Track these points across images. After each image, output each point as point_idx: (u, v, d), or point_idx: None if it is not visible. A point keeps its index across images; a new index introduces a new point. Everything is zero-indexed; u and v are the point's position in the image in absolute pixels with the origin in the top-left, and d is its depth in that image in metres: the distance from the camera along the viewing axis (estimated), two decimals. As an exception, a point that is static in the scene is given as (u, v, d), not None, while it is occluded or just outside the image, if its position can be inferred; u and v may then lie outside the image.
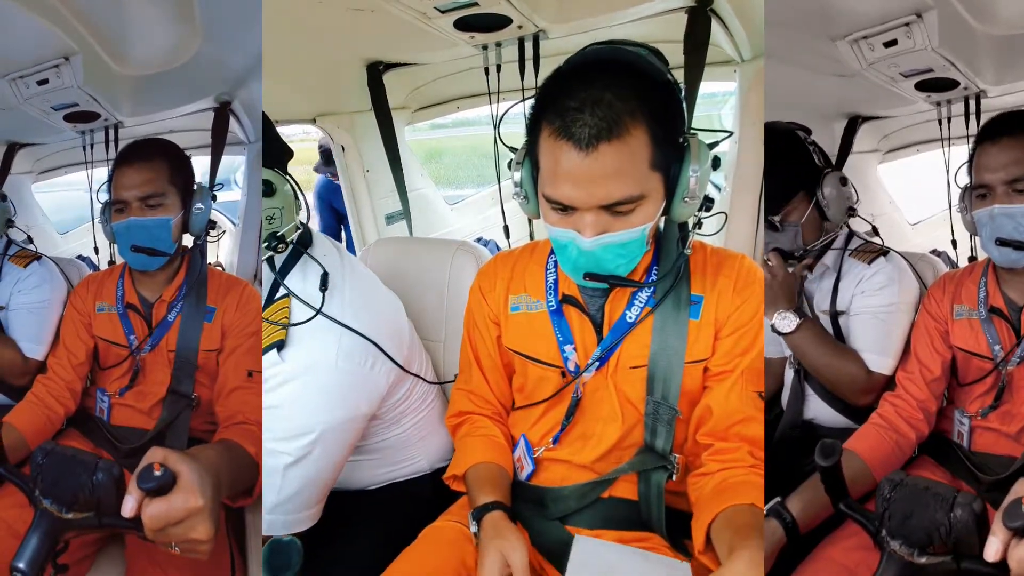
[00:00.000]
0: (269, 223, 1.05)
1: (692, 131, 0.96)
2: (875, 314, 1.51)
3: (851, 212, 1.52)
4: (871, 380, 1.49)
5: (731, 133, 1.05)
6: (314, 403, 1.04)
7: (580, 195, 0.88)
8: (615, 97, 0.84)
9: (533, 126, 0.93)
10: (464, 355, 1.21)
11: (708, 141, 0.95)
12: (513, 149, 1.02)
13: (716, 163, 0.94)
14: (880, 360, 1.49)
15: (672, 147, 0.91)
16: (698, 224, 1.00)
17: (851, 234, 1.62)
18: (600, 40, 0.97)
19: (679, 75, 1.75)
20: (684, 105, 0.93)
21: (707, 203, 0.96)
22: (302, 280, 1.11)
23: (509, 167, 1.01)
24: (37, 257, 1.67)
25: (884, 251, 1.53)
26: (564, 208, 0.91)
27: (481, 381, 1.19)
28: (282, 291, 1.09)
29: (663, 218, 1.00)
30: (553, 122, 0.87)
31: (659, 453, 1.05)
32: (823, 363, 1.58)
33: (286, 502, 1.06)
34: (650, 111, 0.86)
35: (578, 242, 0.92)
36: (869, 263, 1.53)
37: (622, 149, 0.85)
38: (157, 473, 0.78)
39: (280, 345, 1.03)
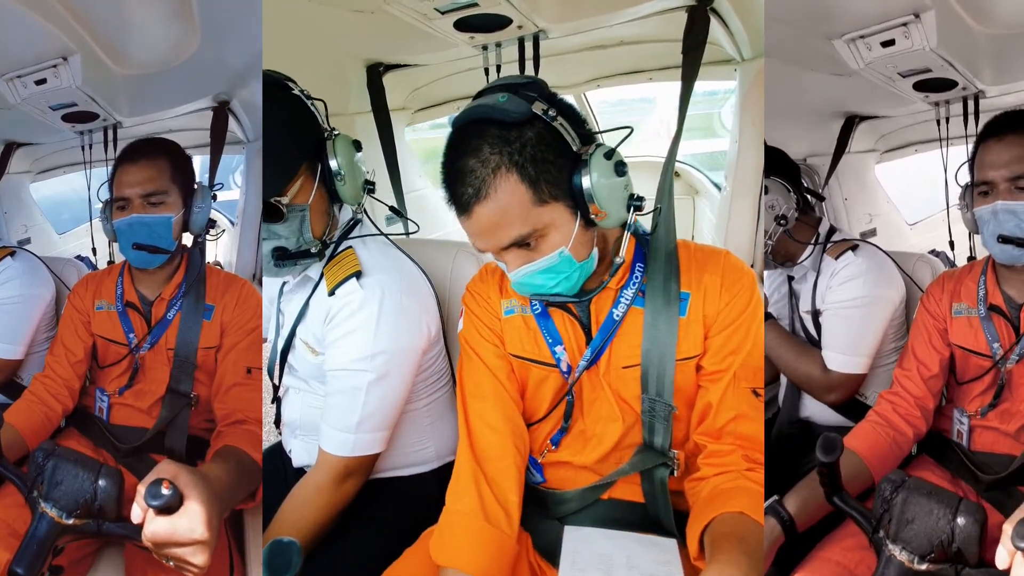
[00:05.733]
0: (337, 179, 1.20)
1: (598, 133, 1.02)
2: (837, 310, 1.52)
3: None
4: (828, 378, 1.50)
5: (631, 130, 1.06)
6: (388, 326, 1.16)
7: (482, 245, 0.99)
8: (476, 160, 0.93)
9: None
10: (469, 372, 1.14)
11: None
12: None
13: (621, 169, 0.96)
14: (838, 358, 1.49)
15: (559, 172, 0.95)
16: (628, 226, 1.01)
17: (831, 231, 1.62)
18: (487, 87, 1.01)
19: (677, 74, 1.77)
20: (566, 125, 0.96)
21: (636, 203, 0.99)
22: (361, 240, 1.26)
23: None
24: (11, 253, 1.66)
25: (854, 245, 1.54)
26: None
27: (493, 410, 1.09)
28: (344, 245, 1.24)
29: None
30: (446, 192, 0.99)
31: (658, 450, 1.06)
32: (783, 363, 1.60)
33: (368, 419, 1.17)
34: (514, 160, 0.93)
35: (509, 273, 1.01)
36: (837, 258, 1.54)
37: (491, 205, 0.93)
38: (166, 492, 0.79)
39: (358, 275, 1.18)
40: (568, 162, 0.95)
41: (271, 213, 1.14)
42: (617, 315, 1.05)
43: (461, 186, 0.94)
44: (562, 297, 1.02)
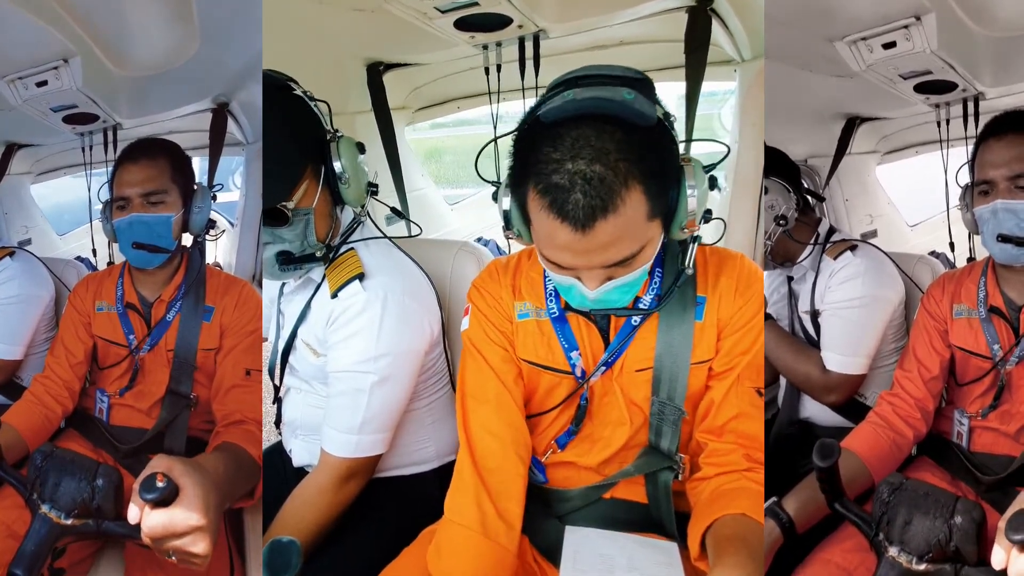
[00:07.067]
0: (341, 182, 1.19)
1: (690, 142, 0.94)
2: (836, 311, 1.52)
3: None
4: (827, 379, 1.50)
5: (728, 149, 1.00)
6: (391, 328, 1.16)
7: (580, 262, 0.87)
8: (605, 168, 0.80)
9: (517, 180, 0.88)
10: (473, 374, 1.10)
11: (708, 163, 0.94)
12: (487, 180, 1.00)
13: (713, 183, 0.92)
14: (837, 358, 1.49)
15: (669, 184, 0.88)
16: (695, 239, 0.97)
17: (831, 231, 1.62)
18: (579, 74, 0.89)
19: (679, 74, 1.77)
20: (676, 134, 0.90)
21: (705, 215, 0.94)
22: (364, 242, 1.26)
23: (494, 199, 0.98)
24: (10, 253, 1.66)
25: (852, 245, 1.53)
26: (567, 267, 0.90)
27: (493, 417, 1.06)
28: (346, 247, 1.23)
29: None
30: (543, 195, 0.82)
31: (664, 453, 1.06)
32: (782, 364, 1.59)
33: (371, 420, 1.17)
34: (643, 170, 0.82)
35: (582, 290, 0.91)
36: (835, 258, 1.54)
37: (619, 221, 0.81)
38: (160, 484, 0.78)
39: (361, 277, 1.18)
40: (671, 174, 0.88)
41: (275, 217, 1.13)
42: (635, 320, 1.04)
43: (585, 196, 0.79)
44: (622, 310, 0.97)
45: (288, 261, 1.18)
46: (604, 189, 0.80)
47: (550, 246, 0.87)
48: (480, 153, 1.08)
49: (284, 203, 1.12)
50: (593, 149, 0.80)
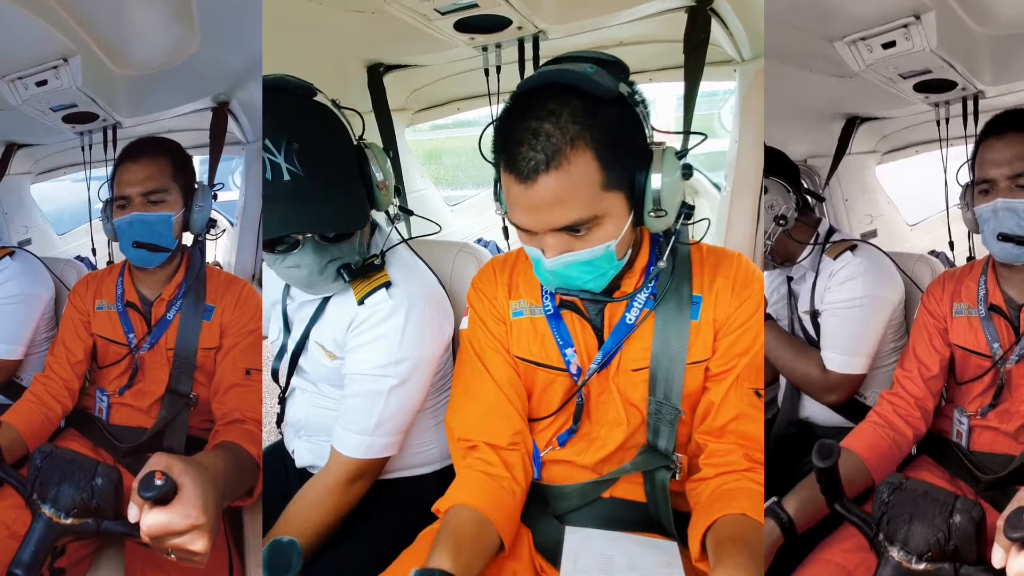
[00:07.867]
0: (380, 189, 1.20)
1: (682, 132, 0.97)
2: (836, 311, 1.52)
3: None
4: (827, 379, 1.50)
5: (704, 136, 1.06)
6: (413, 334, 1.18)
7: (530, 221, 0.91)
8: (553, 126, 0.86)
9: (497, 151, 0.94)
10: (469, 375, 1.13)
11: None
12: (490, 161, 1.02)
13: (688, 172, 0.94)
14: (837, 358, 1.49)
15: (630, 162, 0.91)
16: (674, 233, 0.98)
17: (831, 231, 1.62)
18: (563, 56, 0.96)
19: (679, 74, 1.77)
20: (646, 116, 0.93)
21: (687, 210, 0.96)
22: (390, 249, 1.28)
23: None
24: (10, 252, 1.66)
25: (852, 245, 1.53)
26: (526, 230, 0.94)
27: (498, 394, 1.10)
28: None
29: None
30: (501, 152, 0.91)
31: (662, 453, 1.06)
32: (782, 364, 1.59)
33: (386, 422, 1.19)
34: (594, 136, 0.86)
35: (542, 260, 0.94)
36: (835, 258, 1.54)
37: (561, 178, 0.86)
38: (159, 482, 0.78)
39: (388, 285, 1.19)
40: (638, 154, 0.91)
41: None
42: (630, 319, 1.04)
43: (530, 150, 0.85)
44: (587, 294, 0.98)
45: (353, 272, 1.18)
46: (548, 144, 0.85)
47: (509, 206, 0.93)
48: (483, 134, 1.08)
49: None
50: (547, 111, 0.87)
